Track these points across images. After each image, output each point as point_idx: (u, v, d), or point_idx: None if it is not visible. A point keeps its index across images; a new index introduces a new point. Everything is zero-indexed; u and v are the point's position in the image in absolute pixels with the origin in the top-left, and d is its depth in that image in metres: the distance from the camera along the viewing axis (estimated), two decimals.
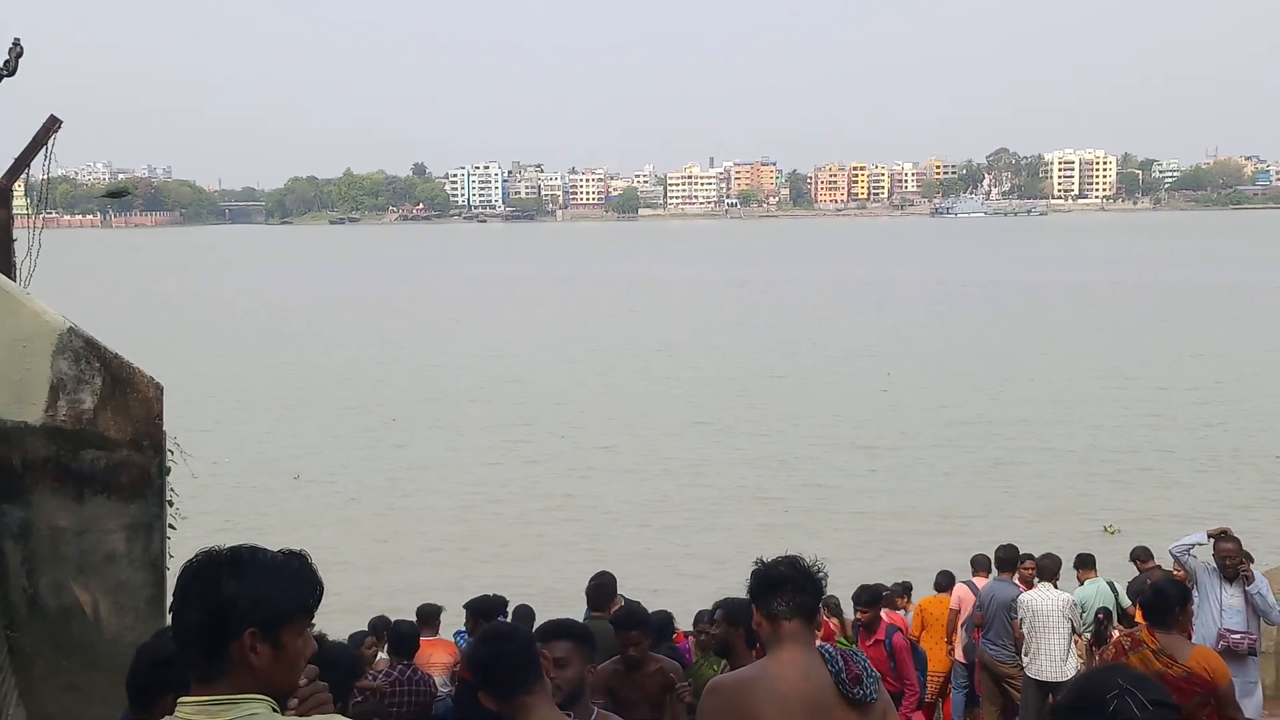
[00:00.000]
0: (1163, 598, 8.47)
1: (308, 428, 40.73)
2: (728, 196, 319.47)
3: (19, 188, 11.09)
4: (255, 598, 2.96)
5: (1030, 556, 13.92)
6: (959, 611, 14.40)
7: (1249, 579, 10.71)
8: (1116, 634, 9.46)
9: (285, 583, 3.04)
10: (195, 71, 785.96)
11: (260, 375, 52.48)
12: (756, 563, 4.83)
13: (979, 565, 14.81)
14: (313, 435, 39.30)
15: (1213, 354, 54.94)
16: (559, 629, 5.36)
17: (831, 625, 13.58)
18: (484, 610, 10.97)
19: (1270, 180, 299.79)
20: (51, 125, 11.07)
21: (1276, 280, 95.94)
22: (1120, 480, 32.02)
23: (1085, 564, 14.25)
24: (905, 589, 16.02)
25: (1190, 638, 9.55)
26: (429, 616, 12.65)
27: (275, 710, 2.99)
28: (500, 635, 4.53)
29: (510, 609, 12.23)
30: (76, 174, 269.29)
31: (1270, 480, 30.86)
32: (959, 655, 14.45)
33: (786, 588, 4.60)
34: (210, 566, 3.01)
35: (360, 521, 27.90)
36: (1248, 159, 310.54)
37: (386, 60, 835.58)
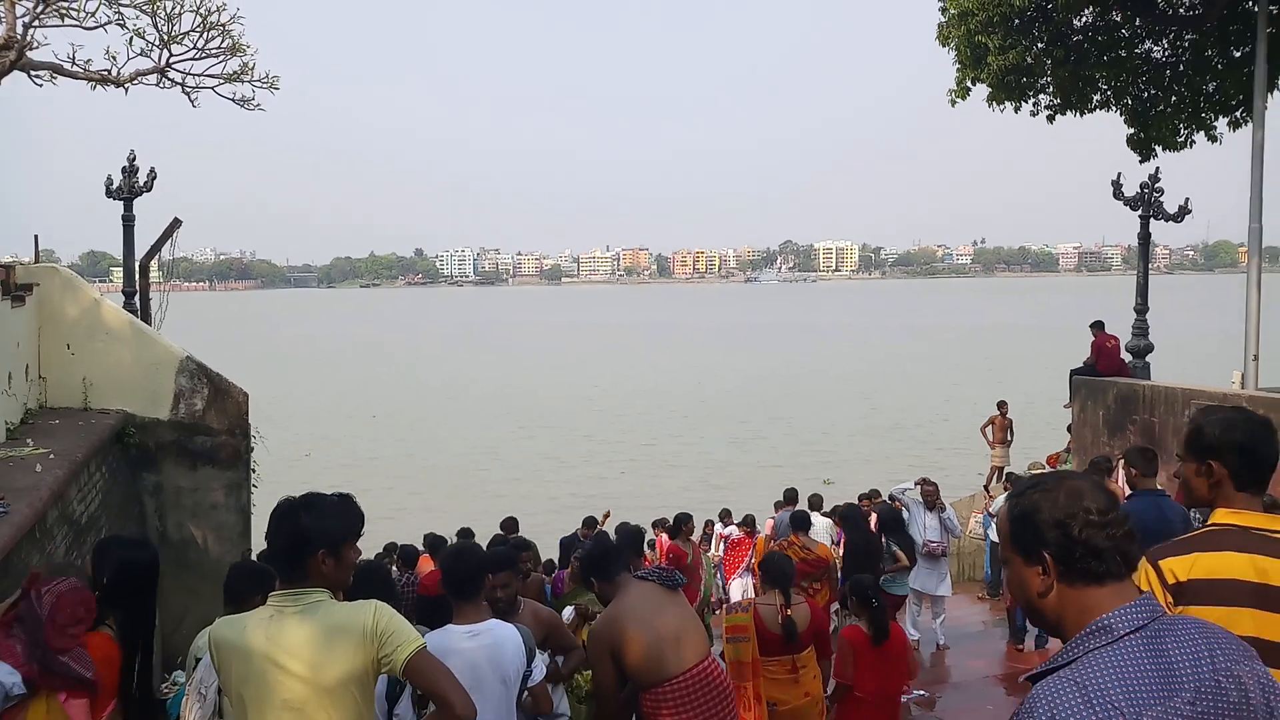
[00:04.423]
0: (801, 517, 10.08)
1: (324, 421, 40.08)
2: (618, 270, 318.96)
3: (154, 265, 10.86)
4: (324, 528, 2.95)
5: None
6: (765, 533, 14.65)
7: (942, 508, 10.98)
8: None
9: (341, 516, 3.03)
10: (267, 181, 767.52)
11: (308, 385, 51.48)
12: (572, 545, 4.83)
13: (788, 498, 14.37)
14: (325, 426, 38.62)
15: (906, 370, 56.20)
16: (499, 560, 4.80)
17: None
18: (404, 556, 10.52)
19: (953, 259, 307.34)
20: (175, 224, 10.86)
21: (949, 321, 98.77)
22: (836, 449, 32.49)
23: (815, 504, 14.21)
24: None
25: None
26: (431, 544, 12.45)
27: (331, 599, 2.98)
28: (461, 554, 4.26)
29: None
30: (191, 255, 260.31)
31: (935, 450, 31.07)
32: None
33: (608, 557, 4.68)
34: (291, 509, 2.99)
35: (359, 480, 27.40)
36: (939, 246, 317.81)
37: (396, 172, 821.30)
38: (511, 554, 5.57)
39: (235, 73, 9.33)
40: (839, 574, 9.99)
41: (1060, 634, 1.99)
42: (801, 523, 9.88)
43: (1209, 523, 2.97)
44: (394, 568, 11.06)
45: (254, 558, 7.26)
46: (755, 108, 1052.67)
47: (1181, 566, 2.82)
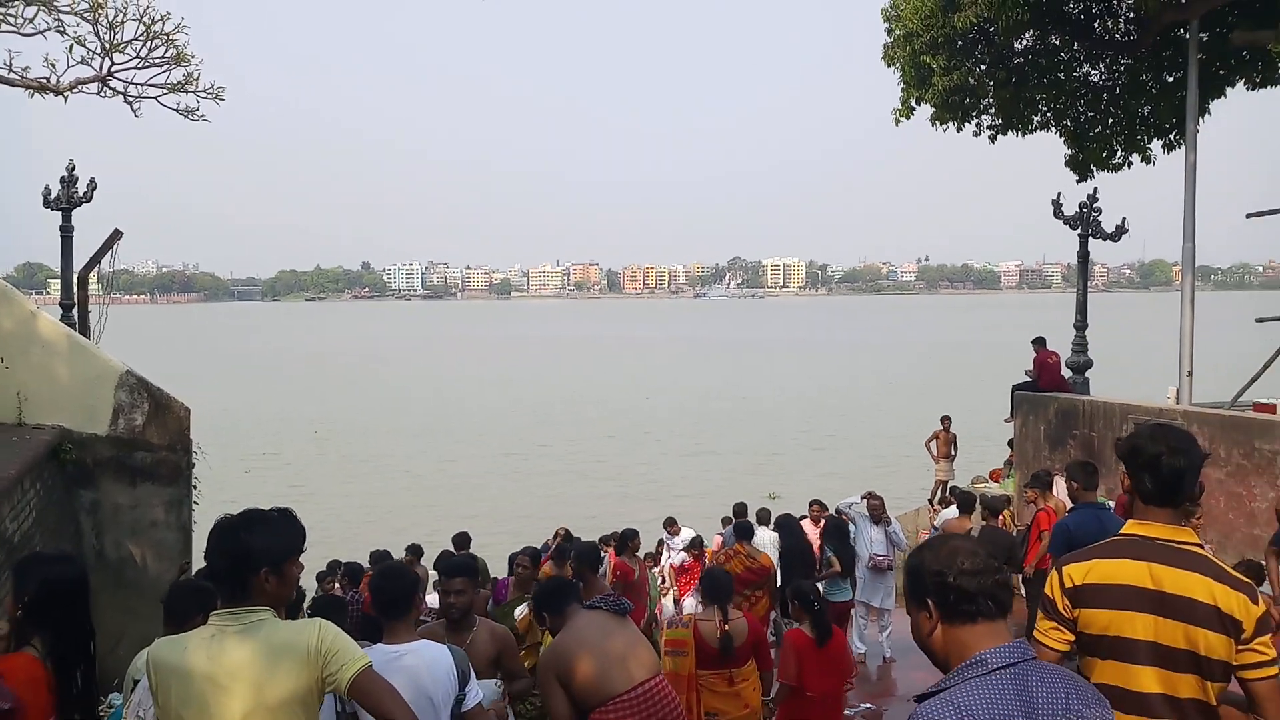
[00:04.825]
0: (745, 526, 10.15)
1: (263, 435, 39.45)
2: (569, 285, 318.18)
3: (93, 277, 10.61)
4: (265, 546, 2.90)
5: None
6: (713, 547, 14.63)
7: (888, 522, 11.08)
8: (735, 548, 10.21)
9: (282, 532, 2.97)
10: (210, 193, 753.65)
11: (252, 400, 50.67)
12: (535, 587, 5.00)
13: (736, 513, 14.36)
14: (265, 442, 37.90)
15: (852, 384, 56.66)
16: (456, 567, 4.86)
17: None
18: (349, 573, 10.56)
19: (897, 277, 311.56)
20: (115, 235, 10.64)
21: (894, 338, 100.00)
22: (781, 463, 32.45)
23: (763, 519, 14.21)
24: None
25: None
26: (377, 558, 12.28)
27: (276, 616, 2.93)
28: (390, 574, 4.20)
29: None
30: (132, 267, 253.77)
31: (881, 464, 30.91)
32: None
33: (559, 592, 4.85)
34: (231, 526, 2.93)
35: (302, 498, 27.02)
36: (884, 263, 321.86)
37: (343, 185, 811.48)
38: (469, 560, 5.54)
39: (179, 83, 9.19)
40: (778, 582, 10.13)
41: (945, 669, 2.31)
42: (745, 532, 10.03)
43: (1119, 532, 3.11)
44: (338, 585, 10.95)
45: (192, 574, 7.12)
46: (706, 127, 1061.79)
47: (1079, 572, 3.04)
